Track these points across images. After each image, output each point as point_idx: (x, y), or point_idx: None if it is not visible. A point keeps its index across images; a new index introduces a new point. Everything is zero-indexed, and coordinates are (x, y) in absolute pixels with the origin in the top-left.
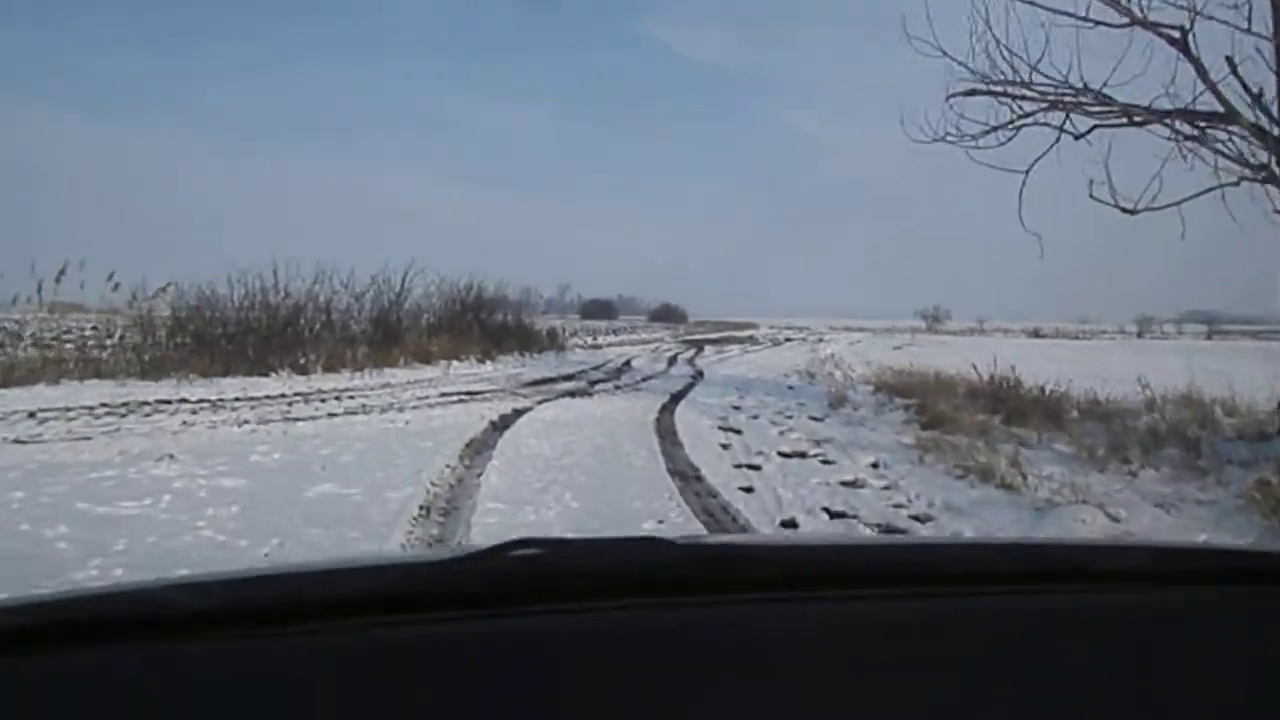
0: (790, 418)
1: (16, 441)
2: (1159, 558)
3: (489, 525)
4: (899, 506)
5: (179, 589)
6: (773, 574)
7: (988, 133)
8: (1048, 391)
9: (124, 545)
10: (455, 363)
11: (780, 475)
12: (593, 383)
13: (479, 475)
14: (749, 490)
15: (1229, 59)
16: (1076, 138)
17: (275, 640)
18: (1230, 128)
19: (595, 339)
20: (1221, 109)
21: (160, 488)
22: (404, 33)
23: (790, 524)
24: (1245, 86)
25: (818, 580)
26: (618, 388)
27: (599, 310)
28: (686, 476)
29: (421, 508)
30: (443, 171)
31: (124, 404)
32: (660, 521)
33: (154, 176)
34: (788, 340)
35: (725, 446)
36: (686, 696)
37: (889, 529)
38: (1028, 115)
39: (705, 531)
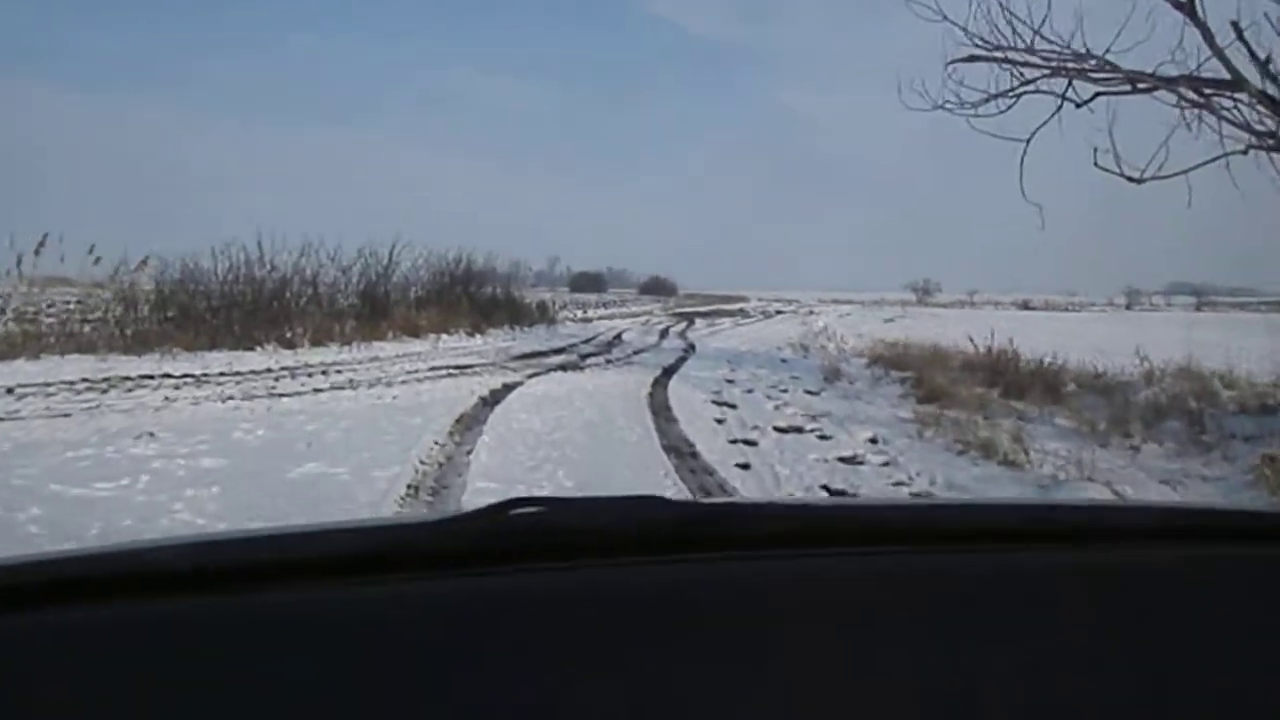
0: (785, 391)
1: None
2: (1157, 517)
3: (480, 506)
4: (900, 484)
5: (169, 549)
6: (771, 532)
7: (987, 100)
8: (1045, 364)
9: (98, 530)
10: (444, 336)
11: (777, 451)
12: (584, 356)
13: (469, 453)
14: (745, 467)
15: (1234, 24)
16: (1078, 105)
17: (273, 596)
18: (1237, 95)
19: (585, 312)
20: (1229, 75)
21: (138, 468)
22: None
23: None
24: (1252, 52)
25: (816, 538)
26: (609, 361)
27: (588, 283)
28: (681, 453)
29: (410, 487)
30: (439, 145)
31: (105, 379)
32: None
33: (148, 151)
34: (778, 313)
35: (720, 421)
36: (686, 653)
37: None
38: (1029, 82)
39: None
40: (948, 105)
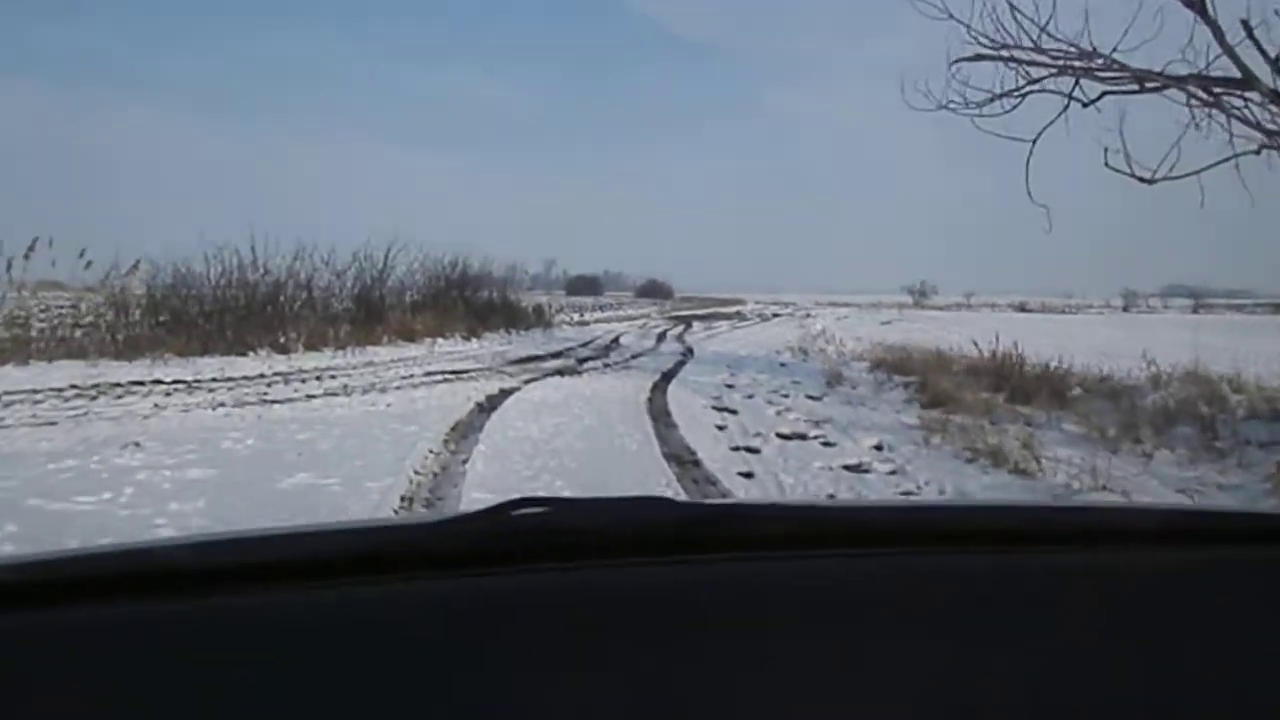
0: (786, 396)
1: None
2: (1160, 519)
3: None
4: (908, 494)
5: (182, 548)
6: (773, 533)
7: (992, 100)
8: (1051, 368)
9: (76, 546)
10: (440, 340)
11: (780, 459)
12: (581, 360)
13: (465, 462)
14: (749, 476)
15: (1244, 22)
16: (1085, 105)
17: (275, 596)
18: (1248, 94)
19: (582, 315)
20: (1239, 74)
21: (122, 480)
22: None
23: None
24: (1263, 50)
25: (818, 539)
26: (607, 366)
27: (585, 286)
28: (683, 461)
29: (404, 499)
30: (436, 148)
31: (95, 386)
32: None
33: (123, 153)
34: (775, 316)
35: (721, 428)
36: (689, 654)
37: None
38: (1035, 81)
39: None
40: (952, 105)
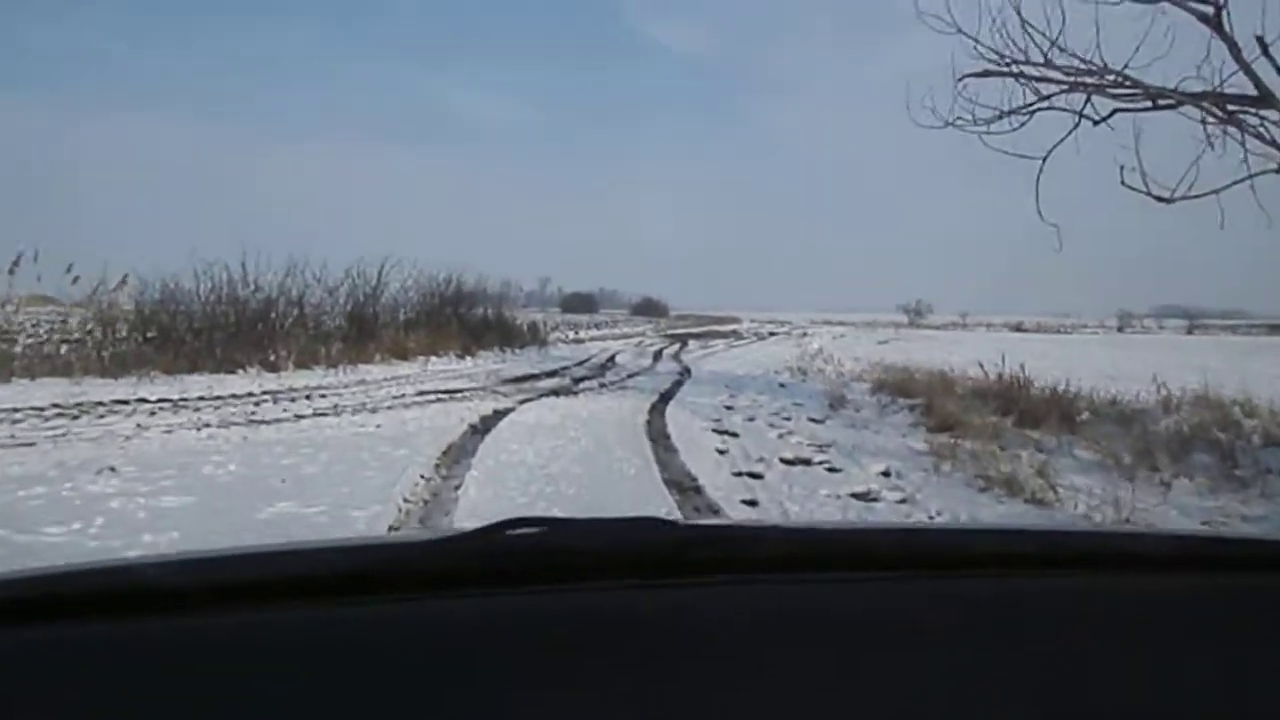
0: (788, 419)
1: None
2: (1172, 545)
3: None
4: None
5: (166, 566)
6: (771, 555)
7: (1000, 117)
8: (1059, 391)
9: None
10: (433, 359)
11: (785, 486)
12: (577, 380)
13: (457, 488)
14: (753, 504)
15: (1259, 39)
16: (1096, 123)
17: (263, 615)
18: (1264, 111)
19: (577, 333)
20: (1255, 91)
21: (94, 508)
22: (392, 22)
23: None
24: (1278, 68)
25: (817, 562)
26: (603, 385)
27: (580, 304)
28: (684, 488)
29: (391, 529)
30: (433, 164)
31: (77, 404)
32: None
33: (112, 163)
34: (771, 334)
35: (722, 452)
36: (684, 676)
37: None
38: (1046, 98)
39: None
40: (959, 122)
